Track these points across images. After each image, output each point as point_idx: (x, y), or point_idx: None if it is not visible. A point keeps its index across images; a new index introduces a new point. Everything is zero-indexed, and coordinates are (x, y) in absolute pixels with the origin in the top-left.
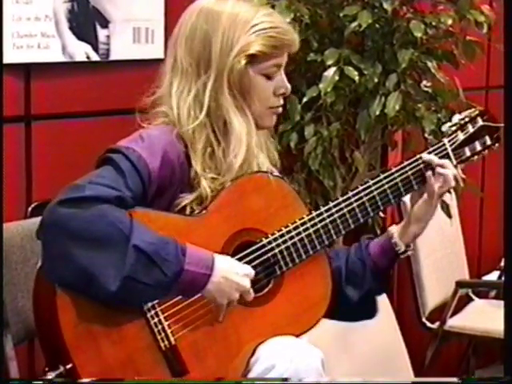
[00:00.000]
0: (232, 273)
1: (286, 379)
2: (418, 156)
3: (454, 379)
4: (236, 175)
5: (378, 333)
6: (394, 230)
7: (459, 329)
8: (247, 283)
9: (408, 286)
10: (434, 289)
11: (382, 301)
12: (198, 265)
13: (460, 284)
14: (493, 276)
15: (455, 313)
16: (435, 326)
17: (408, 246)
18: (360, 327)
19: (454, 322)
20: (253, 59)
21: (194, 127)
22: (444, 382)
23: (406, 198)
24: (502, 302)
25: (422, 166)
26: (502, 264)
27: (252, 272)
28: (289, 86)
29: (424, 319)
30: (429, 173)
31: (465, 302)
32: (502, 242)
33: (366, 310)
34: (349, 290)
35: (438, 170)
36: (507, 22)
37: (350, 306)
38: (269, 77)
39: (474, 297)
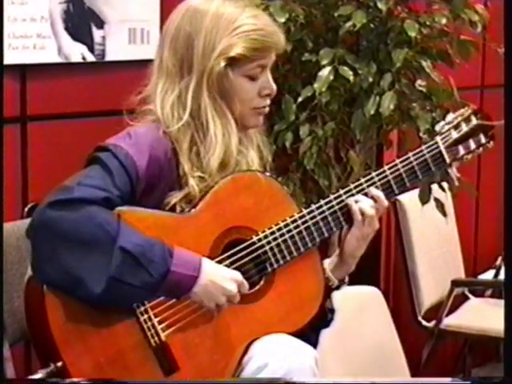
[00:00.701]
0: (219, 276)
1: (279, 378)
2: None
3: (448, 379)
4: (218, 176)
5: (374, 332)
6: (326, 264)
7: (455, 327)
8: (234, 288)
9: (404, 285)
10: (430, 288)
11: (378, 299)
12: (184, 266)
13: (456, 283)
14: (488, 275)
15: (451, 312)
16: (431, 324)
17: (341, 281)
18: (356, 325)
19: (450, 321)
20: (234, 62)
21: (179, 127)
22: (438, 382)
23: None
24: (497, 301)
25: (367, 190)
26: (498, 263)
27: (239, 277)
28: (274, 86)
29: (420, 318)
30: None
31: (461, 300)
32: (497, 241)
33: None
34: None
35: (352, 206)
36: (507, 22)
37: None
38: (253, 78)
39: (469, 295)
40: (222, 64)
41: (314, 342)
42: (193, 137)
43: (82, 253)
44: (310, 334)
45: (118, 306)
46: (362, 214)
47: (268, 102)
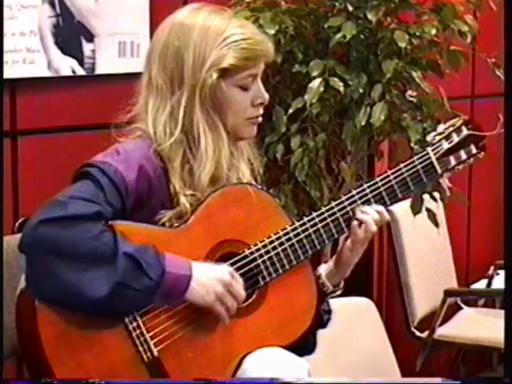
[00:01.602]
0: (210, 269)
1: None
2: (351, 193)
3: (438, 379)
4: (208, 191)
5: (367, 342)
6: (322, 270)
7: (448, 337)
8: (227, 275)
9: (397, 296)
10: (423, 298)
11: (371, 310)
12: (177, 267)
13: (448, 293)
14: (481, 284)
15: (444, 321)
16: (424, 335)
17: (336, 286)
18: (349, 336)
19: (444, 331)
20: (225, 73)
21: (171, 144)
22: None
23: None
24: (490, 310)
25: (349, 209)
26: (490, 272)
27: (230, 269)
28: (266, 95)
29: (413, 328)
30: (354, 222)
31: (454, 310)
32: (489, 251)
33: (304, 347)
34: None
35: (359, 215)
36: (507, 23)
37: None
38: (245, 88)
39: (462, 305)
40: (215, 76)
41: (312, 345)
42: (185, 153)
43: (80, 266)
44: (308, 338)
45: (120, 311)
46: (361, 223)
47: (261, 111)
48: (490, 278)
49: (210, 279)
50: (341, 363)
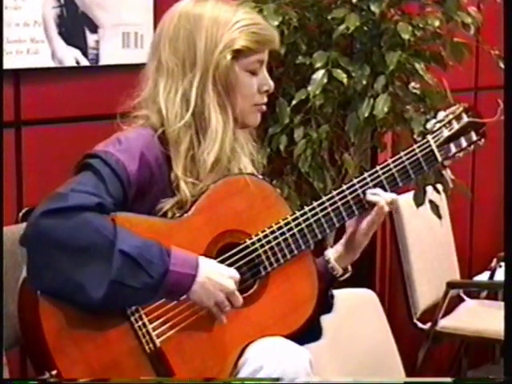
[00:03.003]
0: (216, 273)
1: (277, 379)
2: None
3: (448, 379)
4: (210, 179)
5: (370, 334)
6: (330, 254)
7: (451, 329)
8: (231, 284)
9: (399, 287)
10: (425, 290)
11: (374, 301)
12: (182, 266)
13: (451, 284)
14: (484, 276)
15: (447, 313)
16: (427, 326)
17: (345, 269)
18: (351, 328)
19: (446, 323)
20: (238, 54)
21: (180, 127)
22: (437, 381)
23: None
24: (493, 302)
25: (350, 198)
26: (493, 264)
27: (237, 275)
28: (271, 83)
29: (415, 320)
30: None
31: (456, 302)
32: (492, 243)
33: (310, 333)
34: None
35: (370, 197)
36: (507, 22)
37: None
38: (253, 73)
39: (465, 297)
40: (229, 57)
41: (318, 331)
42: (191, 139)
43: (80, 259)
44: (314, 324)
45: (119, 308)
46: (373, 205)
47: (266, 99)
48: (493, 270)
49: (214, 285)
50: (343, 354)
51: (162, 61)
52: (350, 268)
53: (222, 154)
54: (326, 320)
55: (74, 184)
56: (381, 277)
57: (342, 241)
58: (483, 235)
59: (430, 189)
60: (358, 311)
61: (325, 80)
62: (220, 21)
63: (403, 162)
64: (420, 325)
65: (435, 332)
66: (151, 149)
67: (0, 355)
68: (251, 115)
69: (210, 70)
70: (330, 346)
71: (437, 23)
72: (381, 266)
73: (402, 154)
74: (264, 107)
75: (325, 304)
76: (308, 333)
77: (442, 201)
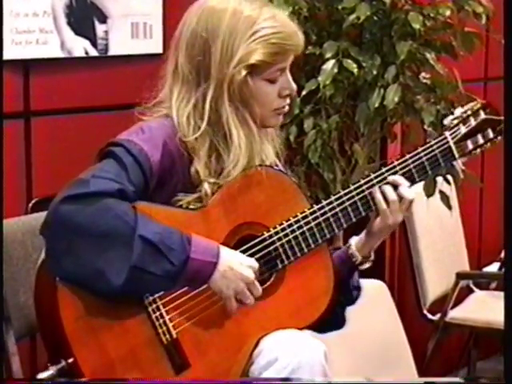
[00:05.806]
0: (237, 263)
1: (287, 379)
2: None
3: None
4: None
5: (380, 325)
6: (353, 241)
7: (460, 320)
8: (251, 274)
9: (409, 278)
10: (435, 280)
11: (384, 292)
12: (203, 253)
13: (460, 275)
14: (493, 267)
15: (456, 304)
16: (436, 317)
17: (365, 258)
18: (361, 318)
19: (455, 314)
20: (253, 69)
21: (196, 137)
22: (449, 382)
23: None
24: (502, 293)
25: (367, 193)
26: (502, 255)
27: (256, 265)
28: (294, 86)
29: (425, 311)
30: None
31: (466, 293)
32: (501, 234)
33: (333, 322)
34: None
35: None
36: (507, 13)
37: None
38: (272, 81)
39: (474, 288)
40: (243, 73)
41: (341, 320)
42: (212, 143)
43: (101, 245)
44: (337, 313)
45: (139, 295)
46: (387, 201)
47: (288, 101)
48: (503, 261)
49: (234, 274)
50: (353, 345)
51: (178, 65)
52: (372, 256)
53: (250, 165)
54: None
55: (96, 170)
56: (390, 268)
57: (365, 232)
58: (493, 226)
59: (440, 179)
60: (367, 302)
61: (335, 70)
62: (239, 27)
63: (421, 157)
64: (429, 316)
65: (445, 323)
66: (173, 138)
67: (0, 355)
68: (271, 119)
69: (224, 84)
70: (340, 336)
71: (447, 13)
72: (390, 257)
73: (420, 149)
74: (286, 109)
75: (347, 294)
76: (331, 322)
77: (451, 191)
